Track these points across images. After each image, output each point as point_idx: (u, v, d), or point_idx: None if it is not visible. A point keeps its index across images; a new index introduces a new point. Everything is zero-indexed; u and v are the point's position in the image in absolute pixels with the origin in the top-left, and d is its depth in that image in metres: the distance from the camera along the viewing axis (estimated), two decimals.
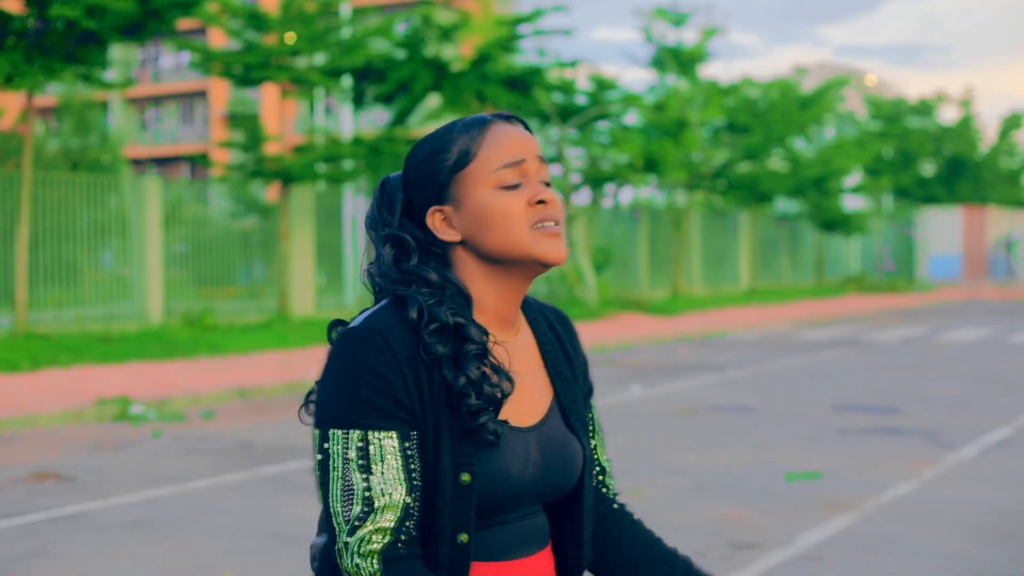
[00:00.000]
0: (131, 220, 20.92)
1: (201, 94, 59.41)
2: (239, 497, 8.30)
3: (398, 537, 1.86)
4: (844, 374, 16.46)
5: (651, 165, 32.29)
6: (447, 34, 26.84)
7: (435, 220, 1.98)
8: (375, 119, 38.80)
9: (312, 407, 1.99)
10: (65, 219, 19.77)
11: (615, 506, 2.20)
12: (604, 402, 13.42)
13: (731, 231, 40.63)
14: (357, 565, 1.86)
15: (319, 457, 1.90)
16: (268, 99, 51.02)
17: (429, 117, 27.34)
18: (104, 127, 40.56)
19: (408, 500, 1.87)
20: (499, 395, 1.92)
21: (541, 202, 1.97)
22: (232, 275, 23.82)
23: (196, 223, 23.05)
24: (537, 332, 2.10)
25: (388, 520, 1.86)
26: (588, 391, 2.18)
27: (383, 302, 1.98)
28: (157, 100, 61.09)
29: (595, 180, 33.22)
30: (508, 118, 2.03)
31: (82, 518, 7.70)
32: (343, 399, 1.89)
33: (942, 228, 54.86)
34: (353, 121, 36.92)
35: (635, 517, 2.21)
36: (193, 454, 10.21)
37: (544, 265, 1.96)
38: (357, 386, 1.88)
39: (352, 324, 1.95)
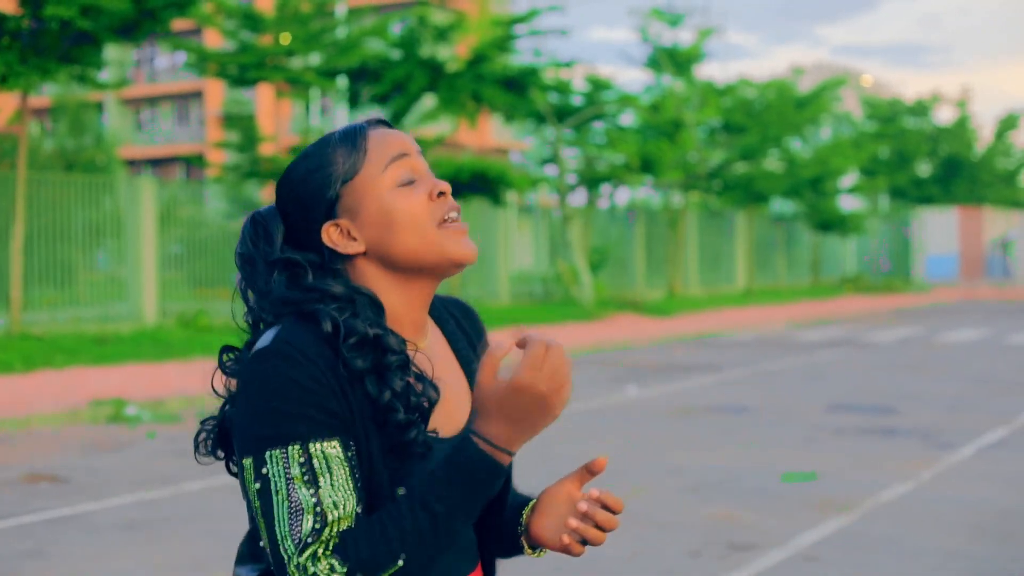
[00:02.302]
0: (126, 221, 20.88)
1: (196, 95, 59.39)
2: (233, 498, 8.25)
3: (354, 525, 1.77)
4: (841, 374, 16.44)
5: (647, 165, 32.29)
6: (443, 34, 26.83)
7: (332, 235, 1.88)
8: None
9: (229, 369, 1.90)
10: (60, 220, 19.73)
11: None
12: (600, 402, 13.40)
13: (727, 231, 40.63)
14: (314, 574, 1.72)
15: (257, 486, 1.76)
16: (263, 100, 50.98)
17: (425, 118, 27.34)
18: (99, 128, 40.50)
19: (359, 510, 1.77)
20: (426, 404, 1.84)
21: (441, 194, 1.91)
22: (227, 276, 23.77)
23: (191, 224, 23.01)
24: (446, 331, 2.04)
25: (344, 524, 1.75)
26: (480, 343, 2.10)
27: (281, 323, 1.85)
28: (152, 101, 61.07)
29: (591, 180, 33.22)
30: (381, 122, 1.96)
31: (77, 519, 7.67)
32: (273, 418, 1.76)
33: (938, 228, 54.89)
34: (348, 121, 36.95)
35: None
36: (187, 455, 10.17)
37: (457, 266, 1.90)
38: (286, 402, 1.75)
39: (257, 346, 1.82)
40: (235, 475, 1.88)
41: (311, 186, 1.89)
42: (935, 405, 13.02)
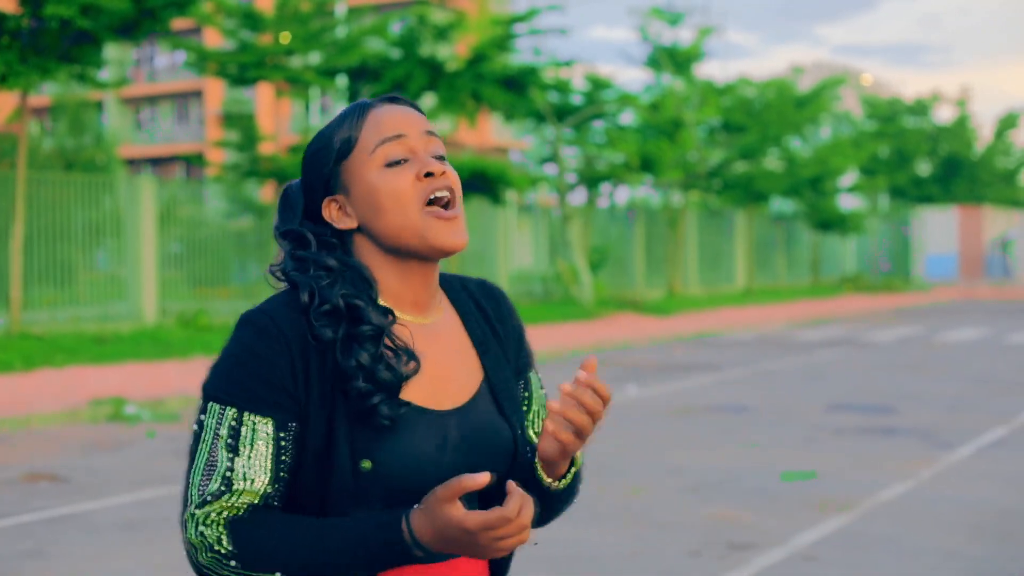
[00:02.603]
0: (126, 220, 20.88)
1: (196, 94, 59.39)
2: None
3: (256, 507, 1.83)
4: (840, 374, 16.45)
5: (647, 165, 32.29)
6: (442, 33, 26.83)
7: (331, 210, 1.95)
8: None
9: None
10: (59, 219, 19.73)
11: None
12: None
13: (727, 231, 40.63)
14: (201, 534, 1.80)
15: (195, 427, 1.88)
16: (263, 99, 50.98)
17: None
18: (99, 127, 40.48)
19: (269, 490, 1.83)
20: (394, 377, 1.86)
21: (429, 175, 1.92)
22: (227, 275, 23.78)
23: (191, 223, 23.01)
24: (461, 311, 2.04)
25: (242, 503, 1.81)
26: (524, 363, 2.10)
27: (280, 290, 1.97)
28: (152, 100, 61.07)
29: (591, 180, 33.22)
30: (392, 99, 2.00)
31: (76, 518, 7.67)
32: (225, 379, 1.86)
33: (938, 228, 54.89)
34: None
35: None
36: (186, 454, 10.18)
37: (441, 252, 1.92)
38: (240, 369, 1.85)
39: (247, 310, 1.94)
40: None
41: (315, 162, 1.97)
42: (935, 405, 13.02)
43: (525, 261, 32.98)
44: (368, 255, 1.95)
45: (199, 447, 1.85)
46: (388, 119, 1.95)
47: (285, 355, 1.85)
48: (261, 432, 1.83)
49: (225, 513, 1.80)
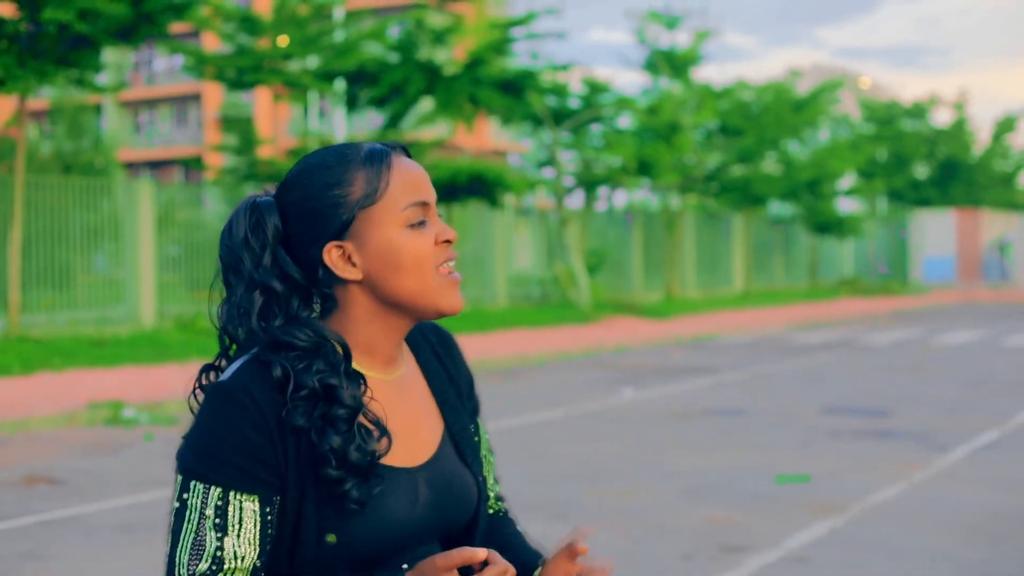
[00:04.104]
0: (124, 223, 20.91)
1: (195, 97, 59.43)
2: None
3: None
4: (837, 377, 16.49)
5: (644, 168, 32.33)
6: (440, 37, 26.87)
7: (333, 256, 1.88)
8: (368, 122, 38.85)
9: (203, 388, 1.92)
10: (58, 222, 19.76)
11: (500, 514, 2.18)
12: (597, 405, 13.45)
13: (725, 234, 40.66)
14: None
15: (176, 505, 1.83)
16: (261, 102, 51.03)
17: (422, 120, 27.38)
18: (97, 130, 40.51)
19: (258, 563, 1.82)
20: (364, 459, 1.83)
21: (447, 241, 1.91)
22: None
23: (189, 226, 23.03)
24: (421, 360, 2.04)
25: None
26: (474, 409, 2.11)
27: (250, 352, 1.88)
28: (150, 103, 61.12)
29: (588, 183, 33.26)
30: (404, 149, 1.95)
31: (74, 521, 7.71)
32: (208, 457, 1.81)
33: (936, 231, 54.90)
34: (346, 124, 36.98)
35: (516, 528, 2.19)
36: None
37: (442, 316, 1.92)
38: (223, 447, 1.81)
39: (221, 378, 1.87)
40: None
41: (326, 202, 1.88)
42: (930, 407, 13.07)
43: (523, 264, 33.01)
44: (358, 308, 1.90)
45: (184, 526, 1.80)
46: (416, 179, 1.91)
47: (266, 433, 1.81)
48: (248, 510, 1.81)
49: None
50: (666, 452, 10.24)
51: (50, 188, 20.03)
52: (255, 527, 1.81)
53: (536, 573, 2.08)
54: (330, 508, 1.83)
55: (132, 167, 56.86)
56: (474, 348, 19.18)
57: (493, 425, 11.56)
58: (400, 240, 1.88)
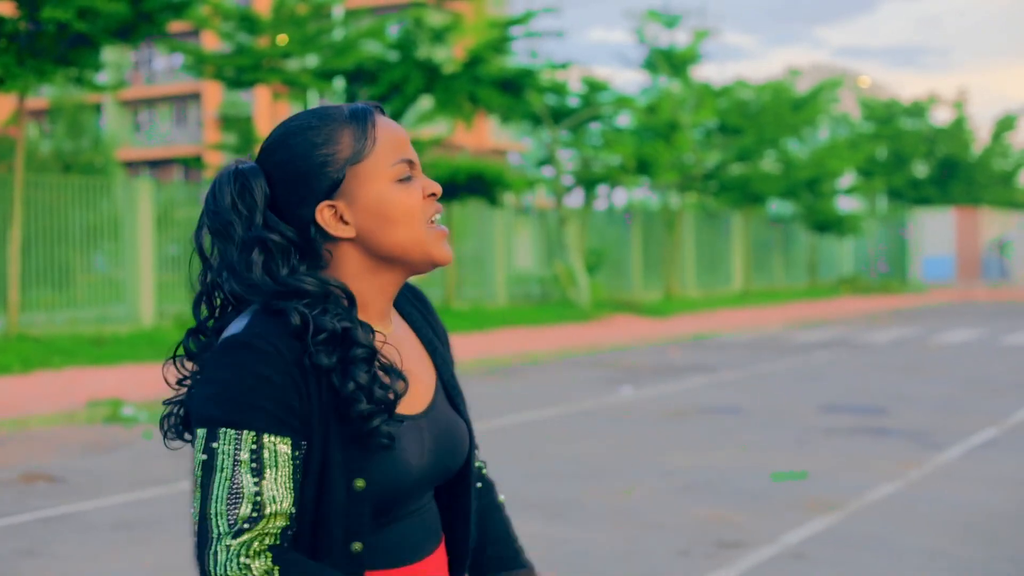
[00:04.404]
0: (123, 222, 20.93)
1: (194, 96, 59.45)
2: None
3: (285, 541, 1.80)
4: (835, 375, 16.50)
5: (643, 167, 32.35)
6: (439, 36, 26.88)
7: (325, 216, 1.90)
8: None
9: (196, 355, 1.93)
10: (57, 221, 19.79)
11: (483, 474, 2.26)
12: (595, 403, 13.47)
13: (724, 233, 40.67)
14: (246, 566, 1.74)
15: (203, 457, 1.79)
16: (261, 101, 51.04)
17: (421, 119, 27.39)
18: (97, 129, 40.52)
19: (293, 510, 1.81)
20: (392, 396, 1.86)
21: (432, 195, 1.95)
22: None
23: (189, 225, 23.02)
24: (405, 315, 2.08)
25: (276, 527, 1.78)
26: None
27: (251, 309, 1.88)
28: (150, 102, 61.12)
29: (587, 182, 33.27)
30: (380, 109, 1.98)
31: (72, 519, 7.73)
32: (235, 404, 1.79)
33: (935, 229, 54.92)
34: None
35: (498, 499, 2.28)
36: (183, 456, 10.22)
37: (435, 266, 1.95)
38: (249, 393, 1.79)
39: (227, 333, 1.85)
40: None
41: (313, 161, 1.89)
42: (927, 406, 13.09)
43: (522, 263, 33.04)
44: (351, 265, 1.92)
45: (215, 477, 1.77)
46: (400, 136, 1.94)
47: (289, 378, 1.81)
48: (282, 452, 1.79)
49: (267, 540, 1.77)
50: (664, 450, 10.26)
51: (49, 187, 20.05)
52: (288, 470, 1.80)
53: None
54: (356, 450, 1.84)
55: (132, 166, 56.86)
56: (473, 347, 19.20)
57: (492, 423, 11.58)
58: (390, 194, 1.90)
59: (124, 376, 15.28)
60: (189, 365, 1.95)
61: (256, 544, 1.76)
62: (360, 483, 1.84)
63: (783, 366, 17.88)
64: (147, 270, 20.91)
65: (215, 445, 1.78)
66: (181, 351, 1.96)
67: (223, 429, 1.78)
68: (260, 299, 1.86)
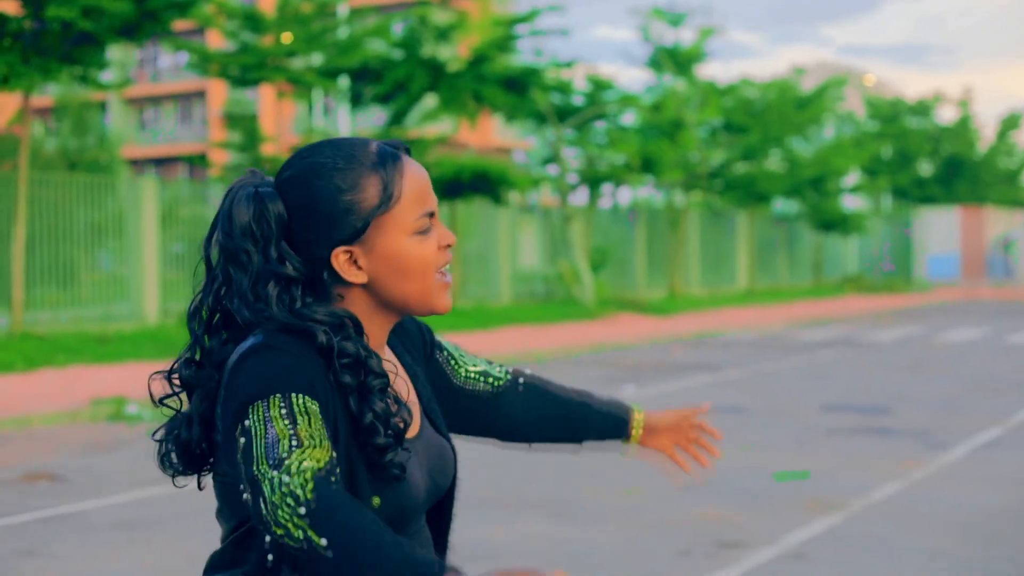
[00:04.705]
0: (128, 220, 20.96)
1: (199, 94, 59.50)
2: None
3: (331, 471, 1.73)
4: (839, 374, 16.49)
5: (648, 165, 32.33)
6: (444, 34, 26.89)
7: (340, 260, 1.89)
8: (372, 119, 38.86)
9: (195, 379, 1.95)
10: (62, 219, 19.81)
11: (507, 379, 2.31)
12: None
13: (729, 231, 40.65)
14: (285, 485, 1.70)
15: (241, 442, 1.76)
16: (265, 100, 51.05)
17: (426, 117, 27.40)
18: (102, 127, 40.58)
19: (334, 454, 1.75)
20: (401, 426, 1.87)
21: (448, 246, 1.96)
22: None
23: (193, 223, 23.06)
24: (391, 347, 2.09)
25: (319, 456, 1.73)
26: (433, 344, 2.23)
27: (262, 329, 1.86)
28: (155, 100, 61.17)
29: (592, 180, 33.26)
30: (407, 150, 1.97)
31: (73, 518, 7.74)
32: (259, 387, 1.77)
33: (940, 228, 54.89)
34: (350, 121, 36.99)
35: (523, 379, 2.33)
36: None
37: (431, 314, 1.96)
38: (277, 374, 1.77)
39: (245, 347, 1.83)
40: (219, 478, 1.94)
41: (337, 207, 1.87)
42: (930, 405, 13.07)
43: (527, 261, 33.04)
44: (358, 306, 1.93)
45: (253, 443, 1.74)
46: (424, 187, 1.93)
47: (315, 380, 1.80)
48: (312, 409, 1.76)
49: (308, 462, 1.71)
50: None
51: (54, 185, 20.07)
52: (319, 422, 1.76)
53: (634, 424, 2.50)
54: (372, 473, 1.86)
55: (136, 164, 56.90)
56: (477, 345, 19.20)
57: None
58: (408, 247, 1.90)
59: (128, 374, 15.29)
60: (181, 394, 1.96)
61: (295, 466, 1.71)
62: (376, 501, 1.86)
63: (787, 365, 17.87)
64: (151, 268, 20.93)
65: (247, 423, 1.76)
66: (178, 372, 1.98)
67: (251, 406, 1.76)
68: (272, 327, 1.85)
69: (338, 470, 1.75)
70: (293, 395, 1.76)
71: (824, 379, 15.90)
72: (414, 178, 1.92)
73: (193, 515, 7.75)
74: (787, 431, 11.27)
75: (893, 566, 6.52)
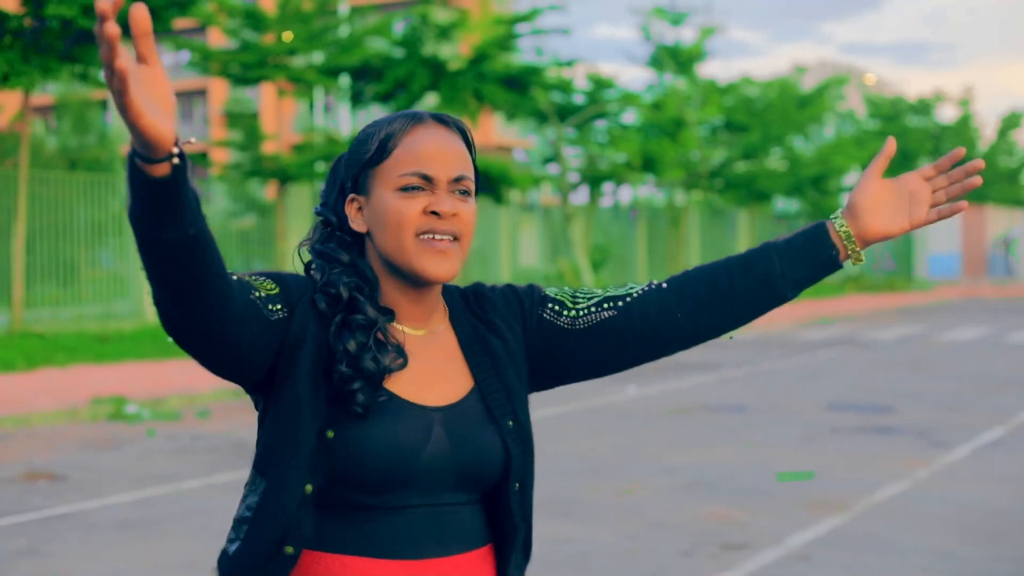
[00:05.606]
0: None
1: (200, 93, 59.52)
2: (230, 497, 8.28)
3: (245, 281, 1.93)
4: (840, 373, 16.47)
5: (649, 164, 32.32)
6: (445, 33, 26.85)
7: (351, 208, 2.03)
8: (373, 118, 38.86)
9: None
10: (62, 218, 19.79)
11: (664, 287, 2.22)
12: (600, 401, 13.43)
13: (729, 230, 40.64)
14: None
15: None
16: (266, 98, 51.02)
17: None
18: (102, 126, 40.52)
19: (234, 277, 1.89)
20: (377, 368, 1.91)
21: (434, 213, 1.95)
22: None
23: None
24: (456, 324, 2.08)
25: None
26: (539, 299, 2.14)
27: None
28: None
29: (593, 179, 33.24)
30: (443, 120, 2.02)
31: (73, 517, 7.71)
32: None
33: (941, 227, 54.88)
34: (351, 120, 36.98)
35: (666, 282, 2.23)
36: (186, 453, 10.23)
37: (425, 279, 1.96)
38: (277, 271, 1.99)
39: None
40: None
41: (354, 156, 2.03)
42: (933, 403, 13.05)
43: (527, 260, 33.02)
44: (374, 260, 2.02)
45: None
46: (428, 152, 1.98)
47: (297, 287, 1.96)
48: (271, 289, 1.93)
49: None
50: (666, 449, 10.23)
51: (55, 183, 20.05)
52: (269, 286, 1.93)
53: (837, 221, 2.19)
54: (338, 409, 1.91)
55: None
56: None
57: None
58: (388, 201, 1.97)
59: (128, 373, 15.27)
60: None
61: None
62: (330, 433, 1.90)
63: (788, 364, 17.84)
64: None
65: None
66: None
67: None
68: (307, 262, 2.05)
69: (254, 296, 1.89)
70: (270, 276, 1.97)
71: (826, 378, 15.87)
72: (419, 139, 1.99)
73: (193, 515, 7.72)
74: (790, 430, 11.24)
75: (897, 567, 6.50)
